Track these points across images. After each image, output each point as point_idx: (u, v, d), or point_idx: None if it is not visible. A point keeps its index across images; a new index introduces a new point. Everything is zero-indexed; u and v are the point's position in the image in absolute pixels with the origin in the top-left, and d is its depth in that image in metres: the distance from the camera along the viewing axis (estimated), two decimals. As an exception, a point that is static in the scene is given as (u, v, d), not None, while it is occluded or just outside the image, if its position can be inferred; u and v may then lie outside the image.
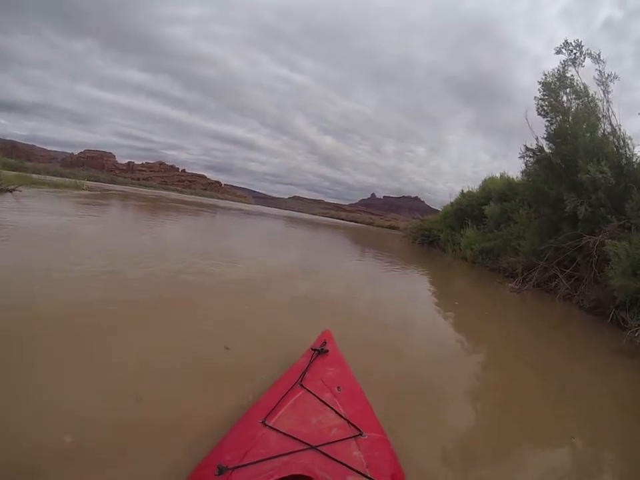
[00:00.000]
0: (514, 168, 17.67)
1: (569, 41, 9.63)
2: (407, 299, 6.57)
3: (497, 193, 13.33)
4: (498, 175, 17.66)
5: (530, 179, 10.23)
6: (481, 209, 15.35)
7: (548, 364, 4.05)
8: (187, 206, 23.91)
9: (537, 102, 9.92)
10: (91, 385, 2.18)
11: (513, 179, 13.50)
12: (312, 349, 2.30)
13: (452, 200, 21.32)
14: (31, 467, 1.59)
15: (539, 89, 10.12)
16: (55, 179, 25.97)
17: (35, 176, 24.13)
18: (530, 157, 9.94)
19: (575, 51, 9.37)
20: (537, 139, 9.68)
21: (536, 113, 10.10)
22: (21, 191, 12.95)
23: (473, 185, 19.14)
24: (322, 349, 2.26)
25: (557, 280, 8.17)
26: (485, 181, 18.21)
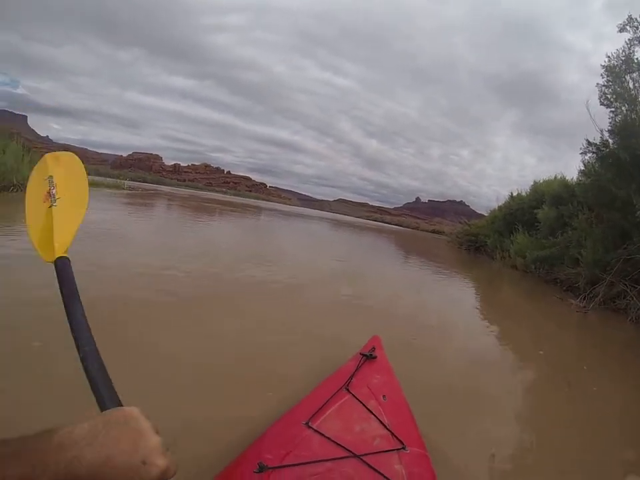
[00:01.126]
0: (563, 170, 16.14)
1: (633, 17, 8.39)
2: (453, 308, 6.16)
3: (551, 195, 11.95)
4: (544, 178, 16.44)
5: (592, 179, 8.95)
6: (532, 213, 14.11)
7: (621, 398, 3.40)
8: (224, 206, 23.78)
9: (599, 89, 8.70)
10: (137, 374, 2.15)
11: (569, 180, 12.02)
12: (360, 354, 2.22)
13: (499, 204, 20.07)
14: None
15: (601, 74, 8.89)
16: (97, 178, 26.69)
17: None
18: (593, 152, 8.68)
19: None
20: (601, 132, 8.43)
21: (598, 102, 8.89)
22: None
23: (519, 189, 17.85)
24: (370, 355, 2.18)
25: (627, 297, 6.93)
26: (536, 183, 16.85)
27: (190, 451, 1.68)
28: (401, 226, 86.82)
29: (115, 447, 0.42)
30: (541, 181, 16.68)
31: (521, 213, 15.47)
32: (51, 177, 0.96)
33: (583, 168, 10.12)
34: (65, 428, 0.43)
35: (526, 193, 17.43)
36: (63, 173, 1.00)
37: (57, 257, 0.79)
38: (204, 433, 1.84)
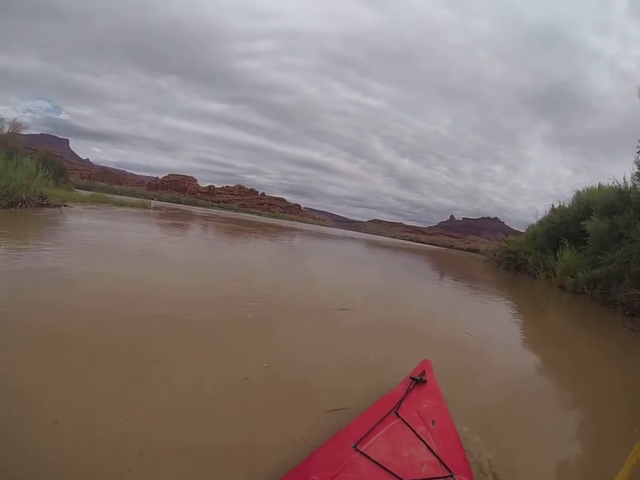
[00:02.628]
0: (600, 180, 14.68)
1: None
2: (495, 333, 5.67)
3: (602, 204, 10.54)
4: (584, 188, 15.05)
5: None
6: (578, 225, 12.69)
7: None
8: (253, 228, 23.06)
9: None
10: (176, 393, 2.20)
11: (622, 185, 10.54)
12: (410, 378, 2.19)
13: (539, 218, 18.57)
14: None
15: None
16: (123, 198, 27.21)
17: (108, 195, 25.93)
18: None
19: None
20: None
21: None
22: (69, 207, 13.38)
23: (561, 201, 16.51)
24: (421, 379, 2.16)
25: None
26: (580, 193, 15.39)
27: (240, 470, 1.66)
28: (435, 245, 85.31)
29: None
30: (584, 190, 15.28)
31: (565, 227, 14.04)
32: None
33: (638, 171, 8.83)
34: None
35: (569, 204, 16.03)
36: None
37: None
38: (253, 453, 1.80)
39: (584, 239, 11.39)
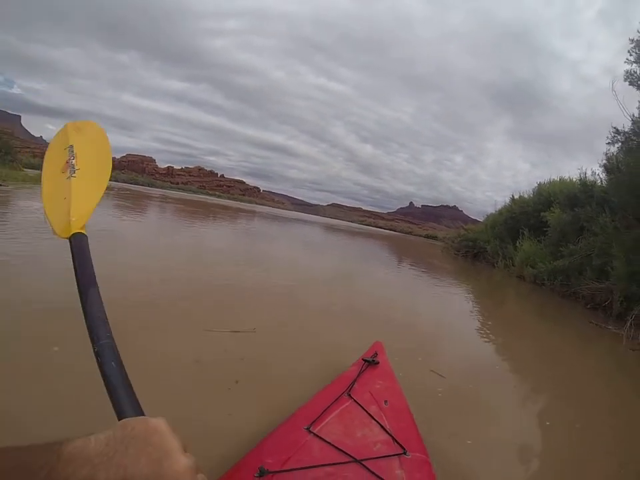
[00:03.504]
0: (556, 175, 15.08)
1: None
2: (454, 318, 5.81)
3: (566, 196, 10.49)
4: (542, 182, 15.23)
5: (618, 176, 7.53)
6: (538, 217, 12.74)
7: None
8: (212, 209, 22.19)
9: (629, 65, 7.32)
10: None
11: (588, 179, 10.46)
12: (363, 360, 2.18)
13: (497, 208, 18.71)
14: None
15: (629, 51, 7.51)
16: None
17: None
18: (621, 142, 7.27)
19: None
20: (632, 117, 7.03)
21: (626, 83, 7.51)
22: (4, 186, 12.86)
23: (521, 192, 16.75)
24: (373, 360, 2.16)
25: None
26: (541, 185, 15.50)
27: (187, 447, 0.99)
28: (394, 230, 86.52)
29: (135, 468, 0.36)
30: (546, 182, 15.40)
31: (525, 217, 14.09)
32: (71, 146, 0.92)
33: (605, 163, 8.75)
34: (78, 440, 0.37)
35: (529, 195, 16.16)
36: (84, 142, 0.96)
37: (72, 232, 0.74)
38: (205, 437, 1.72)
39: (544, 229, 11.39)
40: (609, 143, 7.61)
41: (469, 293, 8.60)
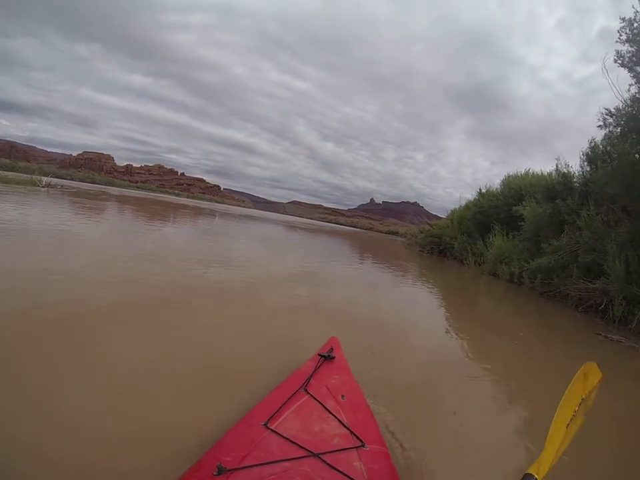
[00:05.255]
0: (514, 172, 15.00)
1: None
2: (418, 314, 5.60)
3: (544, 188, 9.80)
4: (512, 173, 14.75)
5: (609, 164, 6.81)
6: (510, 211, 12.15)
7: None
8: (171, 210, 20.66)
9: (621, 44, 6.61)
10: (87, 382, 2.12)
11: (567, 170, 9.75)
12: (318, 355, 2.20)
13: (462, 203, 18.18)
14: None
15: (618, 30, 6.82)
16: (9, 174, 22.95)
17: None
18: (613, 126, 6.55)
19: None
20: (628, 99, 6.30)
21: (617, 63, 6.81)
22: None
23: (473, 190, 16.41)
24: (328, 355, 2.18)
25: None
26: (509, 177, 15.00)
27: (148, 457, 1.61)
28: (355, 227, 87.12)
29: None
30: (513, 175, 14.90)
31: (496, 212, 13.49)
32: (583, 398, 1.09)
33: (588, 152, 8.09)
34: None
35: (495, 189, 15.64)
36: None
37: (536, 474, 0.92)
38: (161, 438, 1.73)
39: (518, 224, 10.75)
40: (600, 127, 6.89)
41: (436, 291, 8.02)
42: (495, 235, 11.90)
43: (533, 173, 14.20)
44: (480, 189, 16.68)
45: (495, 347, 4.37)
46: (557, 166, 9.88)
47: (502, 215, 12.94)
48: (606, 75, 6.83)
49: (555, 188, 9.27)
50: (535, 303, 7.63)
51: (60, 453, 1.57)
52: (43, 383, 2.04)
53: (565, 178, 9.08)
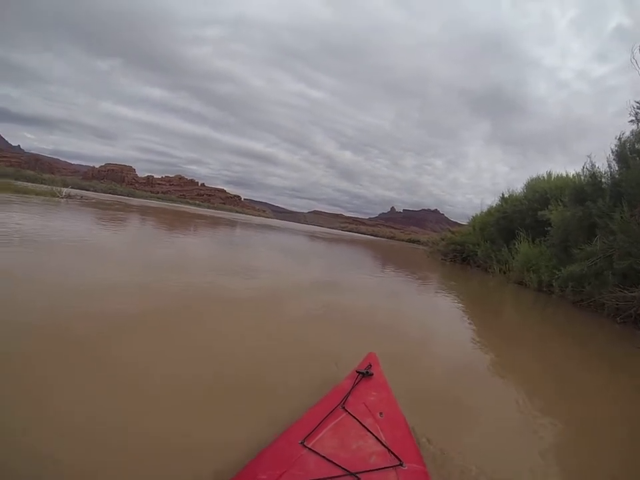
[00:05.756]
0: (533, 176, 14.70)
1: None
2: (448, 328, 5.22)
3: (573, 190, 9.24)
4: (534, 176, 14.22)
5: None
6: (535, 215, 11.59)
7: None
8: (193, 220, 20.60)
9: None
10: (114, 392, 2.10)
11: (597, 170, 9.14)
12: (356, 372, 2.15)
13: (484, 209, 17.62)
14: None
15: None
16: (29, 185, 24.21)
17: (18, 183, 23.82)
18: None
19: None
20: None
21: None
22: None
23: (492, 197, 15.99)
24: (367, 372, 2.13)
25: None
26: (533, 181, 14.42)
27: (184, 474, 1.59)
28: (376, 236, 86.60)
29: None
30: (537, 178, 14.31)
31: (520, 217, 12.93)
32: None
33: (617, 150, 7.56)
34: None
35: (519, 193, 15.05)
36: None
37: None
38: (198, 455, 1.71)
39: (545, 229, 10.19)
40: (632, 121, 6.40)
41: (460, 301, 7.56)
42: (521, 241, 11.37)
43: (558, 174, 13.67)
44: (502, 194, 16.14)
45: (522, 360, 4.07)
46: (584, 166, 9.29)
47: (527, 220, 12.38)
48: (635, 65, 6.35)
49: (584, 189, 8.72)
50: (565, 313, 7.09)
51: (91, 466, 1.57)
52: (68, 398, 2.01)
53: (594, 178, 8.52)
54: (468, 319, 6.00)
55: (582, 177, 9.48)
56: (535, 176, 14.55)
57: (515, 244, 11.76)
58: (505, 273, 11.84)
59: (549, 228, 10.00)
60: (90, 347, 2.58)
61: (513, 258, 11.47)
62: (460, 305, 7.25)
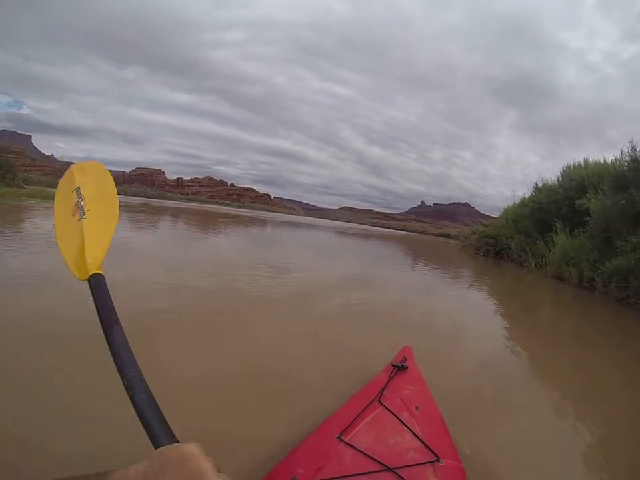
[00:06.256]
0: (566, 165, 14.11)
1: None
2: (482, 323, 5.13)
3: (614, 176, 8.57)
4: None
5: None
6: (572, 205, 10.94)
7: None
8: (223, 219, 20.75)
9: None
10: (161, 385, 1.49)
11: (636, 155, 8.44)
12: (391, 365, 2.12)
13: (516, 200, 16.90)
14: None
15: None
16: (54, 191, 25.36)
17: (49, 190, 24.58)
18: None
19: None
20: None
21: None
22: None
23: (523, 189, 15.39)
24: (402, 366, 2.09)
25: None
26: (569, 168, 13.66)
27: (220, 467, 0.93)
28: (406, 231, 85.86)
29: None
30: (574, 165, 13.56)
31: (556, 207, 12.23)
32: (78, 188, 0.94)
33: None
34: (120, 470, 0.42)
35: (553, 182, 14.31)
36: (91, 183, 0.98)
37: (90, 274, 0.75)
38: (234, 448, 1.69)
39: (584, 219, 9.56)
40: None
41: (496, 298, 7.21)
42: (557, 233, 10.73)
43: (595, 161, 12.90)
44: (536, 184, 15.39)
45: (559, 362, 3.87)
46: (621, 151, 8.62)
47: (563, 211, 11.71)
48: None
49: (625, 176, 8.08)
50: (609, 312, 6.54)
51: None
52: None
53: (636, 163, 7.86)
54: (502, 316, 5.80)
55: (622, 163, 8.80)
56: (569, 163, 13.83)
57: (551, 236, 11.13)
58: (541, 267, 11.22)
59: (587, 218, 9.37)
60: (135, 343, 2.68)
61: (550, 251, 10.84)
62: (494, 301, 6.96)
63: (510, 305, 7.03)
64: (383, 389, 1.84)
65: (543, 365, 3.73)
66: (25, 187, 23.97)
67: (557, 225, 10.97)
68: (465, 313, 5.57)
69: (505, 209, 18.24)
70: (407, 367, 2.10)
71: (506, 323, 5.38)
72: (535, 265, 11.63)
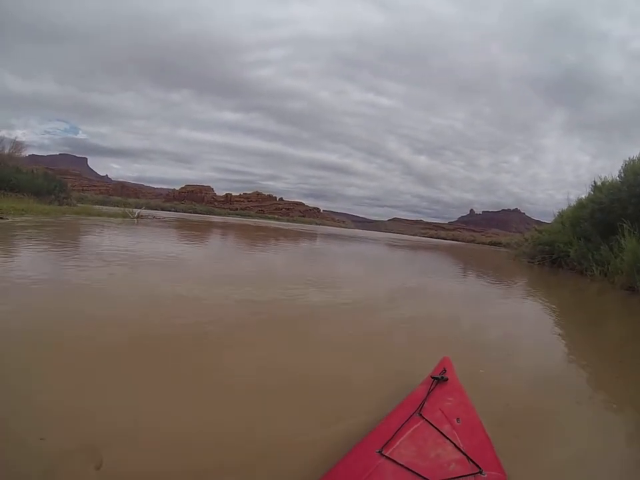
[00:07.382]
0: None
1: None
2: (533, 337, 4.69)
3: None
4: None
5: None
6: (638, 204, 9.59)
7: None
8: (273, 234, 20.64)
9: None
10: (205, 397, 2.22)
11: None
12: (431, 377, 2.12)
13: (572, 202, 15.38)
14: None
15: None
16: (104, 208, 27.27)
17: (97, 207, 27.61)
18: None
19: None
20: None
21: None
22: (4, 219, 12.10)
23: (576, 191, 14.18)
24: (442, 377, 2.08)
25: None
26: (632, 162, 12.17)
27: (271, 473, 1.60)
28: (456, 240, 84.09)
29: None
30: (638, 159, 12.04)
31: (620, 207, 10.80)
32: None
33: None
34: None
35: (614, 179, 12.80)
36: None
37: None
38: (276, 465, 1.69)
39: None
40: None
41: (553, 311, 6.66)
42: (625, 236, 9.37)
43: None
44: (594, 182, 13.85)
45: (626, 384, 3.34)
46: None
47: (629, 210, 10.31)
48: None
49: None
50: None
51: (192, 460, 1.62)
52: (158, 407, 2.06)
53: None
54: (560, 331, 5.36)
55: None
56: (630, 157, 12.34)
57: (617, 240, 9.78)
58: (606, 275, 9.84)
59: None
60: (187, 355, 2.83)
61: (616, 257, 9.48)
62: (551, 314, 6.39)
63: (570, 318, 6.39)
64: (423, 402, 1.82)
65: (606, 388, 3.30)
66: (77, 205, 25.93)
67: (625, 226, 9.60)
68: (518, 327, 5.29)
69: (560, 212, 16.73)
70: (446, 379, 2.07)
71: (565, 338, 4.91)
72: (600, 273, 10.25)
